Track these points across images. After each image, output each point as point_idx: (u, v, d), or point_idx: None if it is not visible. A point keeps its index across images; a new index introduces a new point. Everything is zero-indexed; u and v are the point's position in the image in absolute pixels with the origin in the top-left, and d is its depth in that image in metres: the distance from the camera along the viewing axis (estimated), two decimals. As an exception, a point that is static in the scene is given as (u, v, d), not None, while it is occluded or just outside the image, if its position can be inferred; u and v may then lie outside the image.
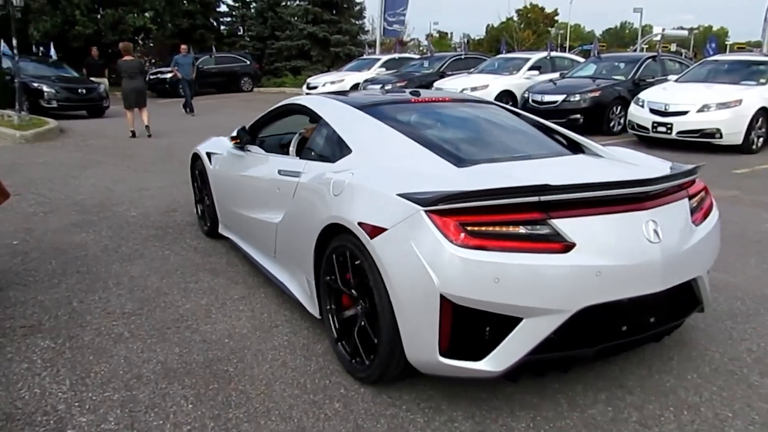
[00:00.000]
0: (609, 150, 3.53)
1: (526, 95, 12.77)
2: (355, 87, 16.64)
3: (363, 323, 2.86)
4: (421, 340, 2.55)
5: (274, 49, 31.00)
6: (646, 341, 2.91)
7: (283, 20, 30.92)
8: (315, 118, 3.94)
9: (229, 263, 4.61)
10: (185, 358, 3.17)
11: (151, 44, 34.06)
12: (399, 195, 2.61)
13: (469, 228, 2.43)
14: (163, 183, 7.51)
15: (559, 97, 12.04)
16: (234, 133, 4.55)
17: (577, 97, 11.89)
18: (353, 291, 2.93)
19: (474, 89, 13.78)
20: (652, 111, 10.15)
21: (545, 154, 3.46)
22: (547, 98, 12.24)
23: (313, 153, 3.72)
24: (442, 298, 2.43)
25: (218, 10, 34.03)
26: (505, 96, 14.01)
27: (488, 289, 2.38)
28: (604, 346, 2.64)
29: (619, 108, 12.00)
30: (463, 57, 16.80)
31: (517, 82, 14.14)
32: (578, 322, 2.48)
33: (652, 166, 3.19)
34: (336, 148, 3.52)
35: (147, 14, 24.26)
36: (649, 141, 10.29)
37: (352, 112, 3.73)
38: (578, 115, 11.77)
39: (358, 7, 31.18)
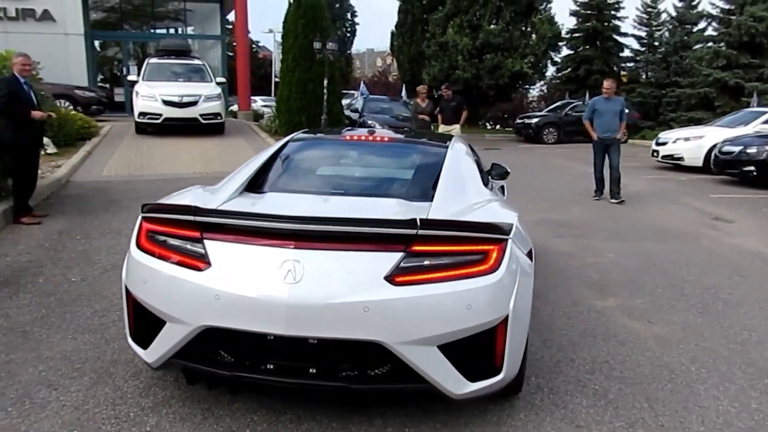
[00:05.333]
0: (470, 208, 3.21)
1: None
2: (712, 148, 12.87)
3: None
4: (124, 322, 3.05)
5: (672, 97, 27.25)
6: (327, 391, 2.80)
7: (689, 65, 26.94)
8: None
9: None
10: None
11: (552, 89, 33.93)
12: None
13: (150, 235, 2.87)
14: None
15: None
16: None
17: None
18: None
19: None
20: None
21: (359, 193, 3.58)
22: None
23: None
24: (126, 289, 2.95)
25: (621, 55, 31.78)
26: None
27: (140, 288, 2.84)
28: (244, 376, 2.68)
29: None
30: None
31: None
32: (208, 341, 2.68)
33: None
34: None
35: (526, 60, 23.85)
36: None
37: (273, 147, 4.12)
38: None
39: (794, 48, 24.97)
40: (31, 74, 7.81)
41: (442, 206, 3.10)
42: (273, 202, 3.31)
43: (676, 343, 4.03)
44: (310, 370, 2.64)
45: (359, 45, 77.35)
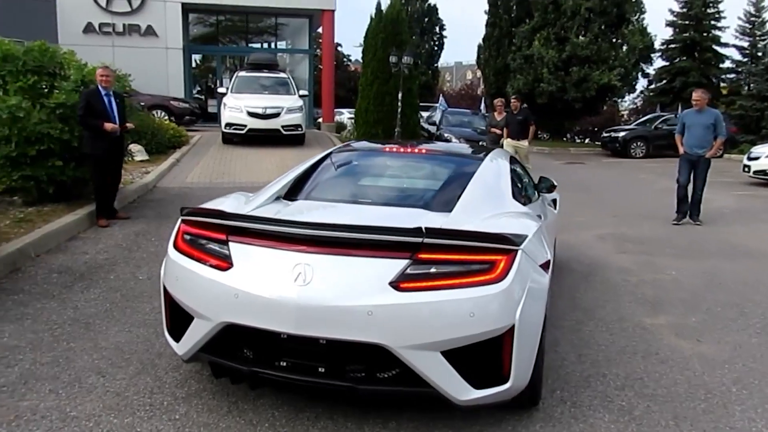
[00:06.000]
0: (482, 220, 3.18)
1: None
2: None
3: None
4: (162, 319, 3.31)
5: (777, 110, 25.55)
6: (335, 390, 2.82)
7: (796, 76, 25.19)
8: None
9: None
10: None
11: (646, 102, 32.75)
12: None
13: (185, 236, 3.12)
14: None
15: None
16: None
17: None
18: None
19: None
20: None
21: (384, 203, 3.70)
22: None
23: None
24: (163, 286, 3.19)
25: (720, 66, 30.17)
26: None
27: (174, 285, 3.09)
28: (260, 372, 2.82)
29: None
30: None
31: None
32: (230, 337, 2.87)
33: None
34: None
35: (615, 72, 23.12)
36: None
37: (316, 157, 4.37)
38: None
39: None
40: (123, 85, 8.40)
41: (461, 216, 3.15)
42: (297, 209, 3.46)
43: (722, 363, 3.85)
44: (320, 370, 2.75)
45: (449, 58, 77.46)
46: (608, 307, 4.88)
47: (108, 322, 4.31)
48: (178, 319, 3.08)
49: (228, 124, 14.73)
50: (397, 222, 2.93)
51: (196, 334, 2.96)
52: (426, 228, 2.64)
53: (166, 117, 16.96)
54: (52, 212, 7.13)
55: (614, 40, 23.88)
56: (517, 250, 2.73)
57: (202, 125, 19.50)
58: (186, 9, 20.72)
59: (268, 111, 14.51)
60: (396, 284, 2.63)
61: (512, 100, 12.18)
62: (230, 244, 2.91)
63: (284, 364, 2.81)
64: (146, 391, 3.32)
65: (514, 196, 3.79)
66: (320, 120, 22.85)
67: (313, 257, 2.71)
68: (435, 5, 38.46)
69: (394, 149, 4.45)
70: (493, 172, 3.96)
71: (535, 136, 13.65)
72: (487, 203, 3.47)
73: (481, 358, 2.69)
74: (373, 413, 3.09)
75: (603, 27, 23.79)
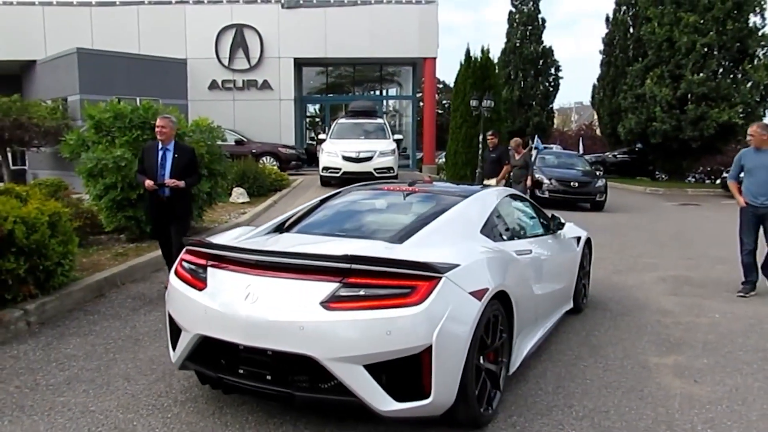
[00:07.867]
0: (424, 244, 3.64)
1: None
2: None
3: None
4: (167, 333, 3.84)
5: None
6: (278, 398, 3.30)
7: None
8: None
9: None
10: None
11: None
12: None
13: (183, 264, 3.71)
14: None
15: None
16: None
17: None
18: None
19: None
20: None
21: (355, 236, 4.01)
22: None
23: None
24: (166, 307, 3.74)
25: None
26: None
27: (170, 304, 3.69)
28: (225, 378, 3.31)
29: None
30: None
31: None
32: (207, 348, 3.39)
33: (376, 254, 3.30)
34: None
35: (738, 109, 21.80)
36: None
37: (325, 195, 4.97)
38: None
39: None
40: (214, 137, 9.43)
41: (409, 247, 3.50)
42: (276, 240, 3.96)
43: (705, 403, 3.80)
44: (267, 377, 3.20)
45: (571, 98, 75.94)
46: (619, 346, 4.88)
47: (154, 339, 5.00)
48: (174, 333, 3.67)
49: (325, 168, 15.75)
50: (349, 251, 3.32)
51: (182, 345, 3.52)
52: (352, 255, 3.03)
53: (275, 162, 18.39)
54: (147, 248, 8.16)
55: (736, 76, 22.56)
56: (440, 278, 3.04)
57: (310, 169, 20.84)
58: (298, 63, 22.45)
59: (362, 155, 15.36)
60: (326, 304, 3.04)
61: (489, 137, 11.47)
62: (208, 269, 3.48)
63: (242, 371, 3.28)
64: (156, 394, 3.91)
65: (486, 232, 4.04)
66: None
67: (260, 279, 3.21)
68: (550, 47, 38.26)
69: (390, 188, 4.85)
70: (469, 209, 4.23)
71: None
72: (444, 237, 3.76)
73: (401, 373, 3.00)
74: (332, 423, 3.45)
75: (723, 63, 22.62)
